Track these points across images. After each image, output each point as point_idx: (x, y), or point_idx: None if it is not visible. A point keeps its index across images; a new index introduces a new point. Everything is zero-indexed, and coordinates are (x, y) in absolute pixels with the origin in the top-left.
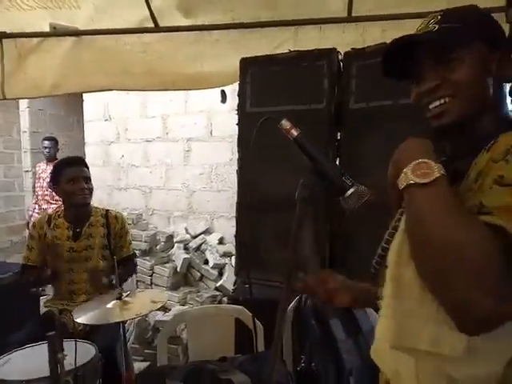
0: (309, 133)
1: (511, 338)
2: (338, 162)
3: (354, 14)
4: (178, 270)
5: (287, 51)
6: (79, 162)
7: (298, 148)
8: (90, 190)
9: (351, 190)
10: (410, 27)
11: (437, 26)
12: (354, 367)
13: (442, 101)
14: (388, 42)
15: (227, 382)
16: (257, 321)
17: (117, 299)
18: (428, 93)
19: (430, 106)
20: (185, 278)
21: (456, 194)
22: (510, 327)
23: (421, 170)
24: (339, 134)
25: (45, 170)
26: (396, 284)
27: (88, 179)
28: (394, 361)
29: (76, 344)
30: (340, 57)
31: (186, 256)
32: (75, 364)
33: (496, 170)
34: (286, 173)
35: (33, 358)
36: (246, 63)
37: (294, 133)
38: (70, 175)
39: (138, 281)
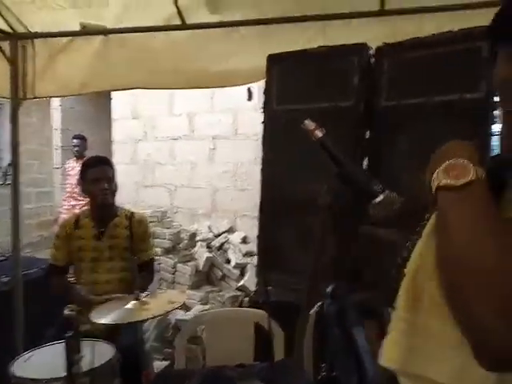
0: (336, 131)
1: None
2: (365, 163)
3: (386, 8)
4: (201, 268)
5: (317, 46)
6: (103, 162)
7: (322, 150)
8: (112, 191)
9: (381, 197)
10: (447, 20)
11: None
12: (376, 377)
13: None
14: (421, 35)
15: None
16: (276, 326)
17: (135, 300)
18: None
19: None
20: (207, 277)
21: (496, 203)
22: None
23: (454, 171)
24: (368, 133)
25: (74, 167)
26: (413, 296)
27: (110, 179)
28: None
29: (94, 344)
30: (371, 52)
31: (209, 255)
32: (92, 364)
33: None
34: (311, 175)
35: (53, 357)
36: (272, 60)
37: (319, 134)
38: (93, 175)
39: (160, 278)
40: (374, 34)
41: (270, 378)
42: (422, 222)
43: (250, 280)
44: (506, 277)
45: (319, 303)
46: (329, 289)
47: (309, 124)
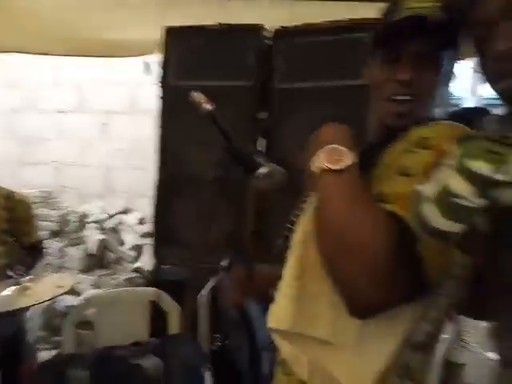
0: (233, 110)
1: (398, 324)
2: (264, 143)
3: None
4: (93, 251)
5: (215, 23)
6: None
7: (211, 123)
8: None
9: (263, 170)
10: (342, 9)
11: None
12: (267, 343)
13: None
14: (316, 21)
15: (137, 367)
16: (172, 302)
17: (15, 285)
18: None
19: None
20: (100, 260)
21: (365, 182)
22: (398, 313)
23: (333, 155)
24: (265, 113)
25: None
26: (299, 264)
27: None
28: (295, 347)
29: None
30: (269, 34)
31: (101, 237)
32: None
33: (403, 160)
34: (207, 151)
35: None
36: (170, 33)
37: (207, 106)
38: None
39: (47, 264)
40: (272, 16)
41: (163, 351)
42: (303, 198)
43: (146, 261)
44: (375, 246)
45: (215, 277)
46: (223, 262)
47: (197, 96)
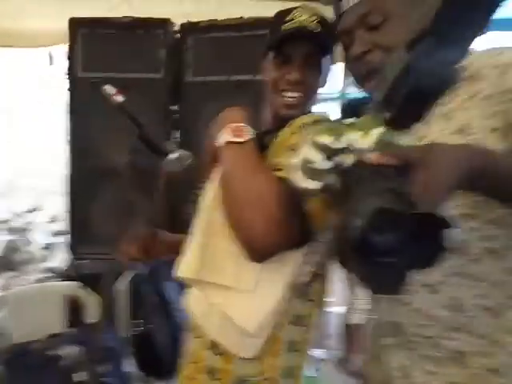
0: (146, 102)
1: (288, 268)
2: (178, 134)
3: None
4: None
5: (121, 16)
6: None
7: (123, 114)
8: None
9: (174, 155)
10: (246, 4)
11: (319, 28)
12: (185, 321)
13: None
14: (222, 17)
15: (55, 357)
16: (89, 292)
17: None
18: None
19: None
20: (8, 263)
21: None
22: (288, 259)
23: (237, 131)
24: (177, 105)
25: None
26: (208, 224)
27: None
28: (200, 306)
29: None
30: (177, 28)
31: (8, 238)
32: None
33: (291, 139)
34: (120, 143)
35: None
36: (75, 24)
37: (119, 98)
38: None
39: None
40: (179, 10)
41: (81, 340)
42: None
43: (60, 260)
44: (270, 200)
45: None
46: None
47: (109, 89)
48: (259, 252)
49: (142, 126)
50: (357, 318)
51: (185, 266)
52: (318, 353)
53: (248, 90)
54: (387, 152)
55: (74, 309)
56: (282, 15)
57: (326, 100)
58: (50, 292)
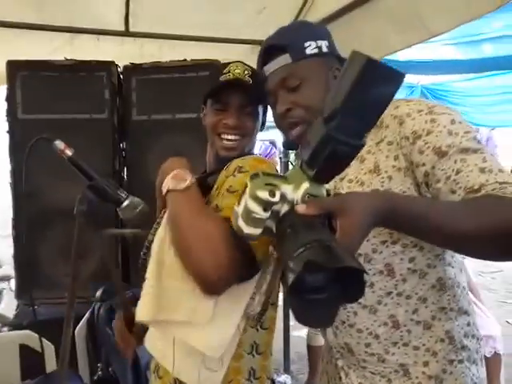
0: (93, 142)
1: (238, 300)
2: (125, 173)
3: (131, 30)
4: None
5: (63, 58)
6: None
7: (73, 166)
8: None
9: (126, 203)
10: (186, 48)
11: (251, 80)
12: (149, 360)
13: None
14: (164, 59)
15: None
16: (45, 341)
17: None
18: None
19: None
20: None
21: (204, 199)
22: (240, 292)
23: (177, 178)
24: (124, 144)
25: None
26: (158, 267)
27: None
28: (159, 341)
29: None
30: (119, 69)
31: None
32: None
33: (227, 182)
34: (68, 184)
35: None
36: (14, 66)
37: (68, 153)
38: None
39: None
40: (121, 52)
41: None
42: (159, 217)
43: (7, 307)
44: (215, 239)
45: (90, 309)
46: (98, 293)
47: (59, 144)
48: (212, 287)
49: (93, 177)
50: (319, 340)
51: (141, 310)
52: (282, 378)
53: (192, 128)
54: (312, 204)
55: (30, 359)
56: (221, 68)
57: (272, 127)
58: (1, 343)
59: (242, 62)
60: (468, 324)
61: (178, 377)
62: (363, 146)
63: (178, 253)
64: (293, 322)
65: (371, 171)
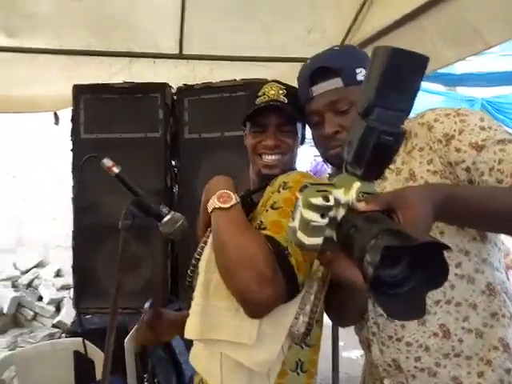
0: (147, 160)
1: (282, 320)
2: (176, 188)
3: (184, 52)
4: (5, 311)
5: (121, 82)
6: None
7: (120, 182)
8: None
9: (167, 217)
10: (236, 68)
11: (286, 100)
12: (193, 373)
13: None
14: (215, 79)
15: None
16: (95, 349)
17: None
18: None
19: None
20: (15, 320)
21: (250, 216)
22: (280, 313)
23: (223, 197)
24: (175, 161)
25: None
26: (205, 286)
27: None
28: (205, 358)
29: None
30: (173, 90)
31: (15, 294)
32: None
33: (272, 198)
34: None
35: None
36: (78, 89)
37: (115, 170)
38: None
39: None
40: (174, 74)
41: None
42: (206, 235)
43: (67, 315)
44: (258, 254)
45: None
46: (146, 304)
47: (106, 162)
48: (256, 308)
49: (137, 193)
50: None
51: (189, 328)
52: None
53: (240, 145)
54: (370, 200)
55: (83, 365)
56: (256, 90)
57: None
58: (57, 349)
59: (277, 81)
60: None
61: None
62: (405, 133)
63: (221, 273)
64: (342, 342)
65: (407, 179)
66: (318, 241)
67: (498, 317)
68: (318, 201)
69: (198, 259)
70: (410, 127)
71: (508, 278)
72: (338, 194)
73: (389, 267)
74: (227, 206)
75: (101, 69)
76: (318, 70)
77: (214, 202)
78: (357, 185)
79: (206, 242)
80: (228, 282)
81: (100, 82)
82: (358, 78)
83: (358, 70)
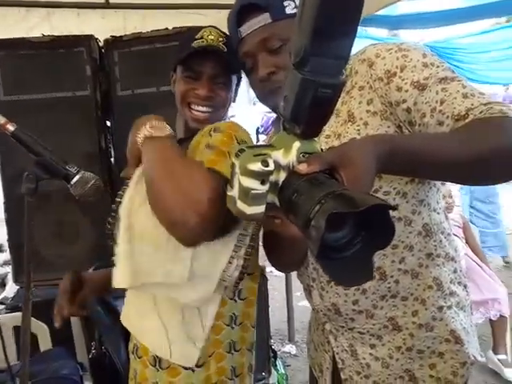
0: (77, 120)
1: (215, 263)
2: (112, 150)
3: (111, 1)
4: None
5: (40, 35)
6: None
7: (17, 142)
8: None
9: (76, 178)
10: (170, 17)
11: (226, 49)
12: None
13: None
14: (146, 30)
15: None
16: (39, 322)
17: None
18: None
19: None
20: None
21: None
22: (212, 256)
23: (155, 127)
24: (109, 121)
25: None
26: (129, 231)
27: None
28: (137, 315)
29: None
30: (100, 44)
31: None
32: None
33: (203, 142)
34: None
35: None
36: None
37: (10, 128)
38: None
39: None
40: (102, 26)
41: (37, 369)
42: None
43: (11, 290)
44: (204, 190)
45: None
46: (90, 270)
47: None
48: (193, 236)
49: (40, 153)
50: None
51: (118, 277)
52: (287, 348)
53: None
54: (311, 161)
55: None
56: (192, 33)
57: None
58: None
59: (216, 28)
60: (455, 271)
61: (158, 353)
62: (345, 83)
63: (155, 202)
64: (299, 292)
65: (346, 121)
66: (261, 209)
67: (433, 257)
68: (256, 166)
69: (119, 204)
70: (351, 64)
71: (447, 217)
72: (278, 155)
73: (333, 231)
74: (161, 134)
75: (15, 22)
76: (243, 7)
77: (145, 130)
78: (296, 145)
79: (127, 184)
80: (162, 209)
81: (16, 36)
82: (288, 12)
83: (286, 3)
